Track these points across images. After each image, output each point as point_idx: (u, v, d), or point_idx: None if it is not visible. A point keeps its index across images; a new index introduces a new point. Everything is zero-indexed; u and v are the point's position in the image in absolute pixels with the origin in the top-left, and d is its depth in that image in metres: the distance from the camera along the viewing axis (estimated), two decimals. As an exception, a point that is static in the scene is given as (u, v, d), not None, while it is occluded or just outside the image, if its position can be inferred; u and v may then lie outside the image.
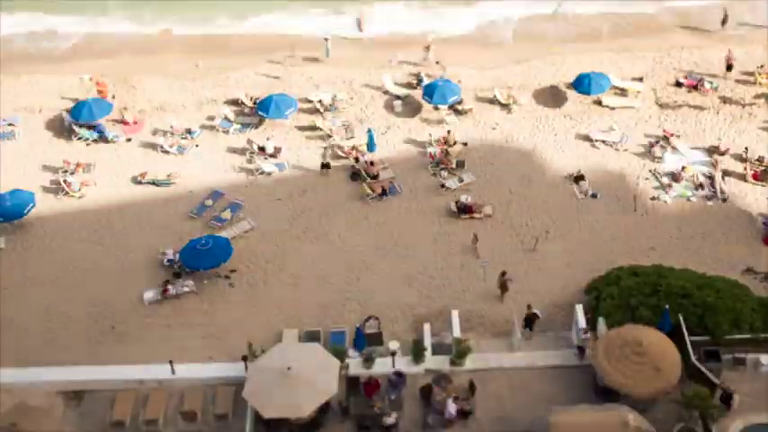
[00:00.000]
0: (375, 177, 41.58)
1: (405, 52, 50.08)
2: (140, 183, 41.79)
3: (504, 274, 35.04)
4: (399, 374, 31.13)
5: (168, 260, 37.33)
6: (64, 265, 37.78)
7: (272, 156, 43.23)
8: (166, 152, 43.77)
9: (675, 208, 39.86)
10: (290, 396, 28.48)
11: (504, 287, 34.96)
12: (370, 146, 43.21)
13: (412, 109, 46.60)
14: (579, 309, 32.70)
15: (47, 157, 43.77)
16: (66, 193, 41.08)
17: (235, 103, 47.25)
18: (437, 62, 49.08)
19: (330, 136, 44.30)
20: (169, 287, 35.81)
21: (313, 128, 45.17)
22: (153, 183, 41.66)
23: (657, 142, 43.09)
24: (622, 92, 47.00)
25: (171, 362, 31.59)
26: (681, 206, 39.95)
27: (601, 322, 32.20)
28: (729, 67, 47.28)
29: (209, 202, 40.65)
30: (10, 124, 45.53)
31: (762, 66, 47.41)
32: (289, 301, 35.87)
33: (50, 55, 52.25)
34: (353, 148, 42.80)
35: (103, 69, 50.03)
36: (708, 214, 39.39)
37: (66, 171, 42.24)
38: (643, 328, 30.35)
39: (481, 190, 41.02)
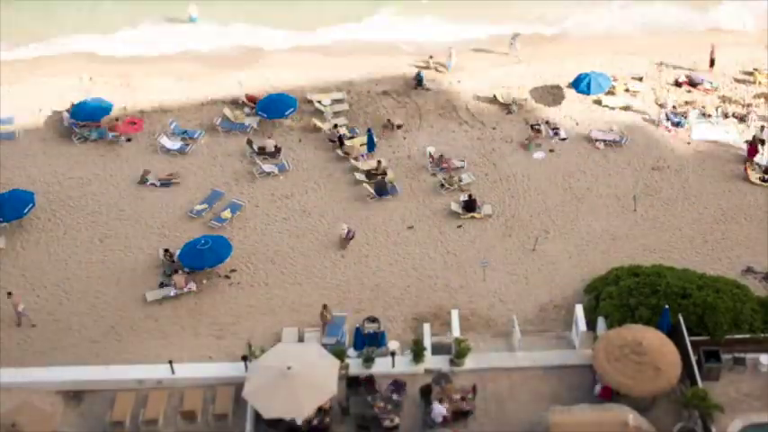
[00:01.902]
0: (384, 174, 41.62)
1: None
2: (144, 182, 41.76)
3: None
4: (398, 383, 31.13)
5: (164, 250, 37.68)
6: (64, 265, 37.76)
7: (271, 156, 43.25)
8: (167, 152, 43.77)
9: (675, 208, 39.87)
10: (290, 396, 28.43)
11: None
12: (370, 146, 43.23)
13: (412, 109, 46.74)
14: (579, 309, 32.68)
15: (46, 157, 43.77)
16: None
17: (235, 103, 47.31)
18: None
19: (333, 142, 44.20)
20: (173, 284, 35.86)
21: (313, 128, 45.27)
22: (153, 183, 41.65)
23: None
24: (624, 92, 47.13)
25: (171, 362, 31.57)
26: (681, 206, 39.96)
27: (600, 322, 32.21)
28: (712, 63, 47.83)
29: (210, 203, 40.62)
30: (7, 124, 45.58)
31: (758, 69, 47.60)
32: (289, 300, 35.87)
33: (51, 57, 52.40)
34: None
35: (104, 70, 50.23)
36: (708, 214, 39.41)
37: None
38: (643, 328, 30.34)
39: (481, 190, 41.03)
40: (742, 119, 44.37)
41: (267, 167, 42.50)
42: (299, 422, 28.86)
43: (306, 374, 28.79)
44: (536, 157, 42.75)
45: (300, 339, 33.38)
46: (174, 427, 30.47)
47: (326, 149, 43.98)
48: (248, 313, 35.38)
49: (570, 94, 46.93)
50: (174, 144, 44.05)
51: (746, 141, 42.87)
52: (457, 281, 36.48)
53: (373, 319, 34.07)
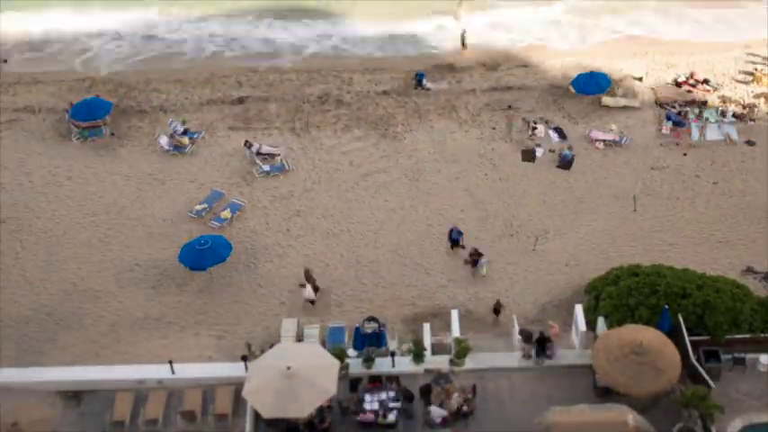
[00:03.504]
0: None
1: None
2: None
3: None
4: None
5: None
6: (64, 265, 37.79)
7: (271, 156, 43.23)
8: (167, 152, 43.76)
9: (675, 208, 39.88)
10: (289, 396, 28.40)
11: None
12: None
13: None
14: (579, 309, 32.68)
15: (46, 157, 43.74)
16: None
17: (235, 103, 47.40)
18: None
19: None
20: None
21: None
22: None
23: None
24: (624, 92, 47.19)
25: (171, 362, 31.56)
26: (681, 206, 39.97)
27: (600, 322, 32.20)
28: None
29: (210, 203, 40.61)
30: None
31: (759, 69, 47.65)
32: (289, 301, 35.87)
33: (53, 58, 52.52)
34: None
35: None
36: (708, 214, 39.42)
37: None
38: (643, 328, 30.33)
39: (481, 190, 41.04)
40: (742, 118, 44.46)
41: (267, 167, 42.50)
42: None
43: (306, 374, 28.75)
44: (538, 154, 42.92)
45: (300, 332, 33.37)
46: (174, 427, 30.47)
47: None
48: (248, 313, 35.39)
49: (570, 94, 46.92)
50: (172, 144, 44.01)
51: (747, 141, 43.00)
52: (458, 281, 36.48)
53: (373, 319, 34.05)
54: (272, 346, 31.18)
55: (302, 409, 28.46)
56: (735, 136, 43.59)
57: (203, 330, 34.69)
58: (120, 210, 40.56)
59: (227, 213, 39.89)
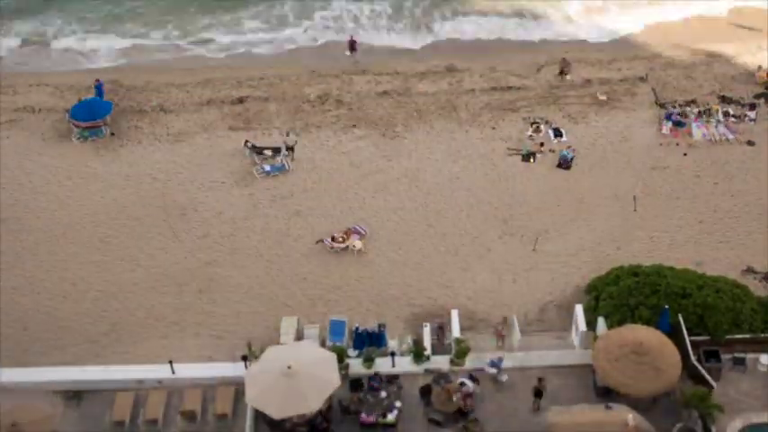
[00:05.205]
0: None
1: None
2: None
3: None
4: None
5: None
6: (64, 265, 37.78)
7: (271, 156, 43.22)
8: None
9: (675, 208, 39.87)
10: (296, 393, 28.38)
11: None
12: None
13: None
14: (579, 309, 32.70)
15: (46, 157, 43.72)
16: None
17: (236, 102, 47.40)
18: None
19: None
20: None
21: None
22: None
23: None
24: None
25: (171, 362, 31.56)
26: (681, 206, 39.96)
27: (601, 322, 32.21)
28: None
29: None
30: None
31: (761, 67, 47.56)
32: (289, 300, 35.87)
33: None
34: None
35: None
36: (708, 214, 39.41)
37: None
38: (643, 328, 30.34)
39: (482, 189, 41.05)
40: (742, 118, 44.43)
41: (267, 167, 42.49)
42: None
43: (308, 370, 28.76)
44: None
45: (300, 331, 33.37)
46: (174, 427, 30.48)
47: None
48: (248, 313, 35.39)
49: (570, 93, 46.91)
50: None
51: (747, 142, 43.01)
52: (458, 281, 36.48)
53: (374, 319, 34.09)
54: (262, 350, 30.97)
55: (312, 404, 28.47)
56: (735, 136, 43.57)
57: (203, 330, 34.69)
58: (120, 210, 40.55)
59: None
